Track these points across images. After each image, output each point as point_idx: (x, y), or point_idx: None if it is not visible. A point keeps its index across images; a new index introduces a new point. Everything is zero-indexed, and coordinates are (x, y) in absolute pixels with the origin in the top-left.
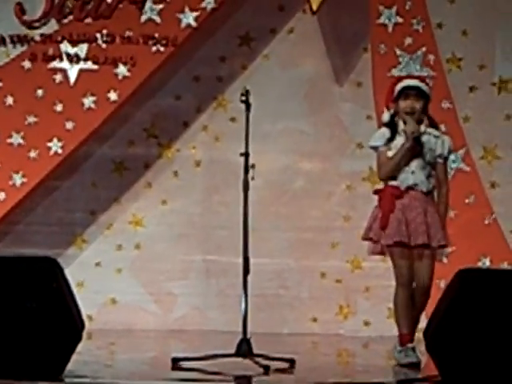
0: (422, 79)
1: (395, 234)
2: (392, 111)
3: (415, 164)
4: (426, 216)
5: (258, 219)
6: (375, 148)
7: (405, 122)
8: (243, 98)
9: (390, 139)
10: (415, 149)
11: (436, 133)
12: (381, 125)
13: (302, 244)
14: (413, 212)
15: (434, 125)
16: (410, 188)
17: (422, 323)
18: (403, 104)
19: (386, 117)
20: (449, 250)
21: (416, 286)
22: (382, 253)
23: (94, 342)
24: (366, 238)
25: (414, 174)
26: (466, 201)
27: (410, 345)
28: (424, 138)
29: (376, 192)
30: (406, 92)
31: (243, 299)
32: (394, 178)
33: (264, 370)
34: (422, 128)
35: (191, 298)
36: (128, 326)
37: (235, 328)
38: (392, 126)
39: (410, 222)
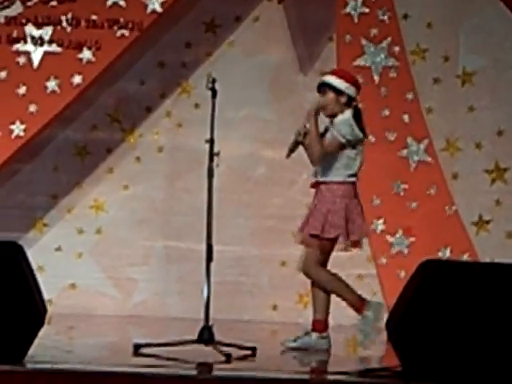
0: (337, 73)
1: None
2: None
3: None
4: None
5: (220, 206)
6: None
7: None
8: (210, 86)
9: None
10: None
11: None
12: None
13: (264, 232)
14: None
15: (359, 117)
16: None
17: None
18: None
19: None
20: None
21: None
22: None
23: (53, 327)
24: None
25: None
26: (428, 192)
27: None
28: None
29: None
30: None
31: (206, 286)
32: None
33: (226, 357)
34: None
35: (151, 283)
36: (88, 311)
37: (195, 315)
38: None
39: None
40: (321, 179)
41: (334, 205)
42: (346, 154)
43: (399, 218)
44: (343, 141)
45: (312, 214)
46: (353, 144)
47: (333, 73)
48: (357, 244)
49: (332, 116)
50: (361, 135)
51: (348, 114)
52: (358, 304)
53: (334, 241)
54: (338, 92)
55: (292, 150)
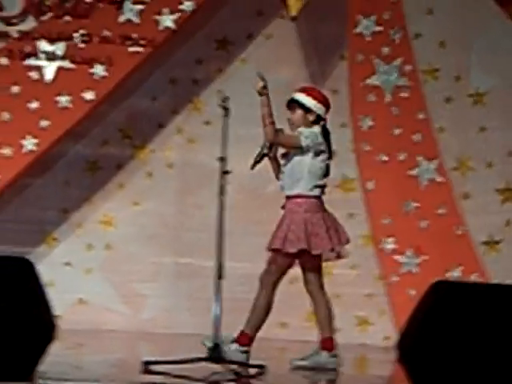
0: (307, 91)
1: None
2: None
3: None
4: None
5: (230, 223)
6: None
7: None
8: (223, 104)
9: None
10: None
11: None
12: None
13: None
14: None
15: (327, 136)
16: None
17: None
18: None
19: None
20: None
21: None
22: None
23: (62, 343)
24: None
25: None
26: (438, 211)
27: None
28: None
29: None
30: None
31: (216, 304)
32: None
33: (235, 375)
34: None
35: (161, 299)
36: (97, 327)
37: (204, 331)
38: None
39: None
40: (287, 193)
41: (294, 219)
42: (307, 168)
43: (409, 237)
44: (303, 143)
45: (277, 229)
46: (314, 151)
47: (303, 90)
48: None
49: None
50: (323, 146)
51: (316, 129)
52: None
53: (294, 256)
54: (307, 110)
55: (257, 162)
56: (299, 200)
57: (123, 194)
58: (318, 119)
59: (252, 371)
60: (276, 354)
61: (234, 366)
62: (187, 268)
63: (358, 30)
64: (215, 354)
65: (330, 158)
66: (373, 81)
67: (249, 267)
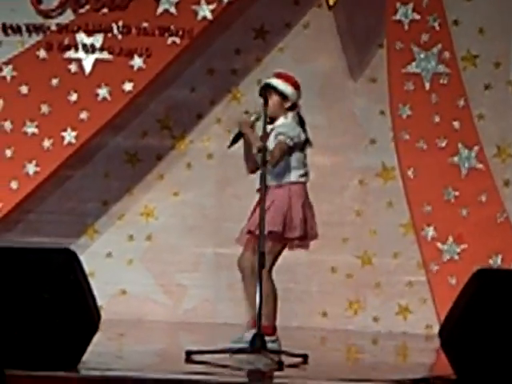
0: (283, 77)
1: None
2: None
3: None
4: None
5: None
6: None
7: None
8: (262, 93)
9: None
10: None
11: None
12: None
13: None
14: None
15: (302, 122)
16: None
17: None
18: None
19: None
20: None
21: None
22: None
23: (104, 333)
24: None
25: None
26: (479, 199)
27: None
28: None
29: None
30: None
31: (257, 294)
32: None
33: (277, 365)
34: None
35: (201, 290)
36: (138, 317)
37: (245, 321)
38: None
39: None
40: (276, 182)
41: (293, 205)
42: (296, 157)
43: (450, 225)
44: (291, 144)
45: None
46: (300, 147)
47: (279, 76)
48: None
49: (272, 119)
50: (303, 137)
51: (290, 117)
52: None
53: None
54: (284, 96)
55: (235, 141)
56: (291, 187)
57: (163, 185)
58: (293, 106)
59: (294, 361)
60: (317, 343)
61: (276, 356)
62: (227, 258)
63: (396, 17)
64: (257, 344)
65: (308, 143)
66: (411, 68)
67: (288, 256)
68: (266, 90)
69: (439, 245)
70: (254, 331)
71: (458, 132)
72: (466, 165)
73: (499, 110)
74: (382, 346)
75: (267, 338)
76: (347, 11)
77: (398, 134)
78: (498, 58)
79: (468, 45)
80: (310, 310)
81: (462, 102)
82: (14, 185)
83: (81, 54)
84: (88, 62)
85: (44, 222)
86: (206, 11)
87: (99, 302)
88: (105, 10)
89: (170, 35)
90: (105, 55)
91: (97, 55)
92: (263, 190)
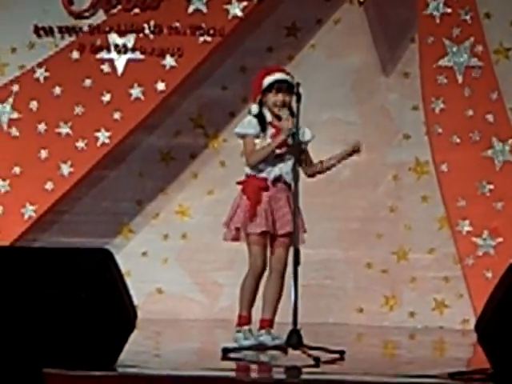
0: (288, 73)
1: (263, 224)
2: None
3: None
4: (290, 206)
5: (304, 209)
6: (243, 136)
7: (275, 115)
8: (295, 90)
9: (262, 129)
10: (286, 142)
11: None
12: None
13: (348, 234)
14: (278, 202)
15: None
16: (276, 180)
17: None
18: (274, 97)
19: (254, 108)
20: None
21: (273, 270)
22: (237, 239)
23: (141, 332)
24: (228, 225)
25: (279, 166)
26: None
27: (246, 327)
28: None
29: (240, 183)
30: (278, 86)
31: (293, 290)
32: (259, 168)
33: (314, 361)
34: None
35: (237, 288)
36: (174, 316)
37: (281, 318)
38: (260, 117)
39: (276, 212)
40: (289, 180)
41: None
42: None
43: (485, 218)
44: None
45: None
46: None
47: (284, 71)
48: None
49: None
50: None
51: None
52: (244, 317)
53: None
54: (292, 92)
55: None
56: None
57: (197, 184)
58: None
59: (331, 357)
60: (353, 339)
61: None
62: None
63: (427, 11)
64: (293, 341)
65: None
66: (444, 62)
67: (324, 253)
68: (273, 86)
69: (474, 239)
70: (271, 331)
71: (492, 125)
72: (500, 158)
73: None
74: (418, 342)
75: (273, 335)
76: (378, 6)
77: (431, 129)
78: None
79: (500, 38)
80: (346, 307)
81: (495, 95)
82: (48, 186)
83: (113, 55)
84: (120, 62)
85: (79, 222)
86: (236, 9)
87: (135, 301)
88: (136, 10)
89: (202, 34)
90: (137, 55)
91: (129, 55)
92: (296, 187)
